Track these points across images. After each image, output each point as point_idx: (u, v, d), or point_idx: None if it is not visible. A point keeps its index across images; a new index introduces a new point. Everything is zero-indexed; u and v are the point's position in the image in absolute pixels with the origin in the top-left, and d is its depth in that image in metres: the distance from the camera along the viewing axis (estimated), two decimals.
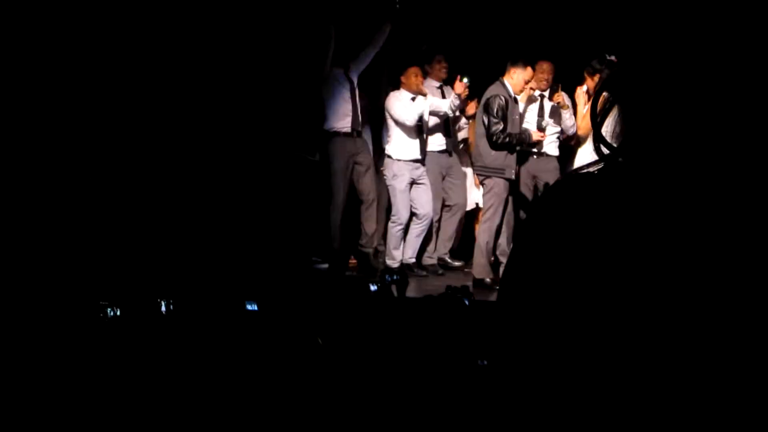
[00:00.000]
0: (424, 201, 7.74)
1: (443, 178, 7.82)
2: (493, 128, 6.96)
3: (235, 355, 4.72)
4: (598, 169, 1.02)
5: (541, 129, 7.37)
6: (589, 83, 6.88)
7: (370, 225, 7.68)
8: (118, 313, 4.66)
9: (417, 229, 7.82)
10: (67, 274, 6.20)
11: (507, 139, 6.97)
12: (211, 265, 6.99)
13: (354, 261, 8.11)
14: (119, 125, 7.24)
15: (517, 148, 7.09)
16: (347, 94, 7.56)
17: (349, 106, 7.55)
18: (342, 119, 7.57)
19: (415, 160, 7.71)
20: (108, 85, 7.10)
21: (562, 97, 7.38)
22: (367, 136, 7.95)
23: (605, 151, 1.03)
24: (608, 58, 6.81)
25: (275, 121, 7.82)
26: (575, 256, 0.93)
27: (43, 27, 6.87)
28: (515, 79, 7.12)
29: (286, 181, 7.92)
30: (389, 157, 7.76)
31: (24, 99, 6.61)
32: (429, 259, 7.94)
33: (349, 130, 7.55)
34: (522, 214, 7.62)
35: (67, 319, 4.74)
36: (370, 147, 7.90)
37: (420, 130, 7.72)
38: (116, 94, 7.17)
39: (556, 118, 7.47)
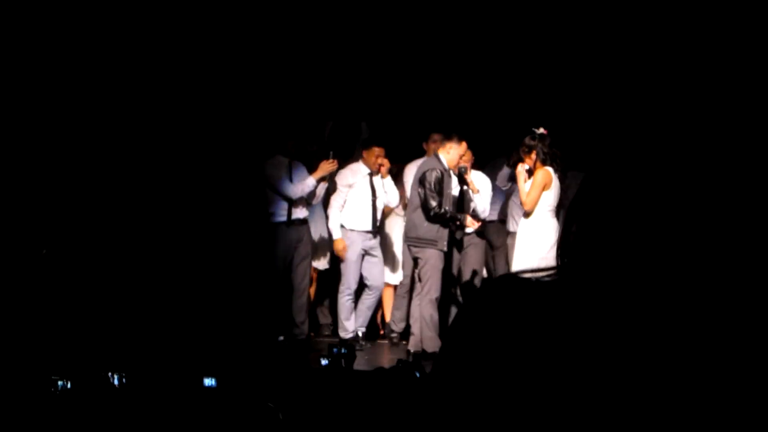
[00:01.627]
0: (375, 273, 7.83)
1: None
2: (431, 202, 7.04)
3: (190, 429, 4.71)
4: (545, 277, 1.06)
5: (475, 216, 7.61)
6: (528, 161, 7.04)
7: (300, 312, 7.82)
8: (69, 386, 4.63)
9: (368, 301, 7.89)
10: (19, 345, 6.16)
11: (442, 212, 7.03)
12: (166, 337, 6.99)
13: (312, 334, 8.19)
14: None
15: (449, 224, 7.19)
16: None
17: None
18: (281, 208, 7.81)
19: (368, 231, 7.78)
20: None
21: (471, 181, 7.55)
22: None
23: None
24: (538, 132, 6.99)
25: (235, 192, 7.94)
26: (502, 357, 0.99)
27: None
28: (451, 153, 7.24)
29: (244, 254, 7.97)
30: (342, 226, 7.84)
31: None
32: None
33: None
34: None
35: (17, 393, 4.70)
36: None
37: (374, 202, 7.83)
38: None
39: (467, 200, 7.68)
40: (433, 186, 7.06)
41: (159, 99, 7.76)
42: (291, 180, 7.69)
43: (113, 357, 5.87)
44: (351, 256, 7.79)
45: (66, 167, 7.42)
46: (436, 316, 7.12)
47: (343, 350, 5.93)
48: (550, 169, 6.95)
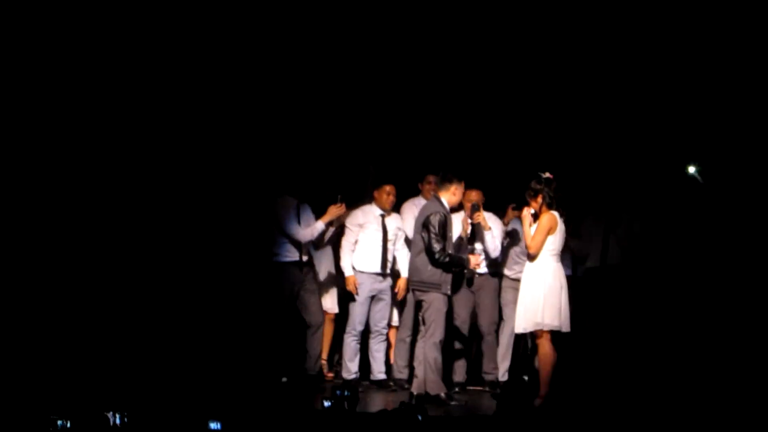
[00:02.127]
0: (380, 317, 7.84)
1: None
2: (435, 246, 7.06)
3: None
4: None
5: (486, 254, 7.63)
6: (534, 204, 7.06)
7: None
8: (68, 425, 4.63)
9: (376, 346, 7.88)
10: (17, 384, 6.17)
11: (447, 259, 7.05)
12: (171, 377, 6.99)
13: (331, 374, 8.13)
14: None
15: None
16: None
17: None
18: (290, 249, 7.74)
19: (378, 273, 7.81)
20: None
21: (483, 217, 7.56)
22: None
23: None
24: (544, 176, 7.01)
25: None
26: None
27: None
28: (456, 195, 7.22)
29: (250, 293, 7.98)
30: (352, 267, 7.85)
31: None
32: (380, 375, 7.95)
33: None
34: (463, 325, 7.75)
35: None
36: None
37: (384, 243, 7.83)
38: None
39: (479, 238, 7.68)
40: (437, 230, 7.05)
41: (171, 129, 7.81)
42: (299, 221, 7.72)
43: (115, 396, 5.86)
44: (359, 298, 7.78)
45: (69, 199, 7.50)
46: (440, 359, 7.06)
47: (346, 392, 5.90)
48: (555, 213, 6.95)
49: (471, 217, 7.53)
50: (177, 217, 7.86)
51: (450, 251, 7.11)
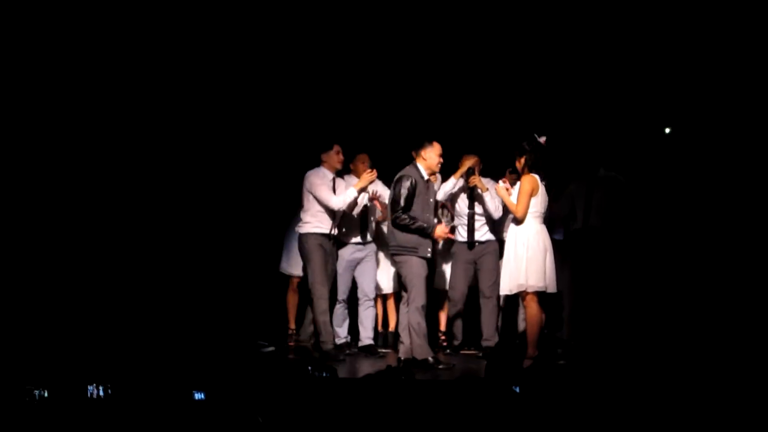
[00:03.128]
0: (366, 282, 7.84)
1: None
2: (394, 206, 6.96)
3: None
4: None
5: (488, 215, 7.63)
6: (517, 164, 7.01)
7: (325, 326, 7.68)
8: (46, 395, 4.56)
9: (365, 312, 7.91)
10: None
11: (406, 221, 6.93)
12: (154, 349, 6.94)
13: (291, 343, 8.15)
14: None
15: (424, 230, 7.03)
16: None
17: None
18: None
19: (357, 243, 7.82)
20: None
21: (479, 180, 7.49)
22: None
23: None
24: (538, 139, 6.95)
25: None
26: None
27: None
28: (428, 159, 7.14)
29: (231, 263, 7.96)
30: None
31: None
32: (368, 341, 7.92)
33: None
34: (456, 294, 7.70)
35: None
36: None
37: (365, 211, 7.82)
38: None
39: (479, 201, 7.59)
40: (402, 191, 6.94)
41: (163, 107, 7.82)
42: (334, 192, 7.64)
43: (97, 367, 5.80)
44: (339, 268, 7.79)
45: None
46: (423, 323, 7.01)
47: (324, 374, 5.81)
48: (536, 176, 6.91)
49: (467, 182, 7.49)
50: (161, 189, 7.82)
51: (428, 215, 7.03)
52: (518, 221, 6.93)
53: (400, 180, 7.01)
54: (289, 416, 5.06)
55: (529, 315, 6.86)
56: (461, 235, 7.82)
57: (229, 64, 8.01)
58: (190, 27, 7.75)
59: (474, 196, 7.71)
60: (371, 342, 7.89)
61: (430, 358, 6.97)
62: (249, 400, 5.19)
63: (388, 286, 8.10)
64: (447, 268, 8.02)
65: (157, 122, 7.87)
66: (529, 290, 6.83)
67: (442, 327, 8.18)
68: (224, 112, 8.09)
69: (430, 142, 7.15)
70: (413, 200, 6.99)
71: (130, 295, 7.47)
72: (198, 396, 5.34)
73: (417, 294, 6.97)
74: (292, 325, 8.38)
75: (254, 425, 4.69)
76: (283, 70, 8.24)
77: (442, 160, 7.25)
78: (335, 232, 7.62)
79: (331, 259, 7.60)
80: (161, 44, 7.72)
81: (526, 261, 6.81)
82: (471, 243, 7.76)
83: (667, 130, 8.27)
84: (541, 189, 6.92)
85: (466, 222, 7.79)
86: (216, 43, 7.89)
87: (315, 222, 7.49)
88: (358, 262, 7.88)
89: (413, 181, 7.00)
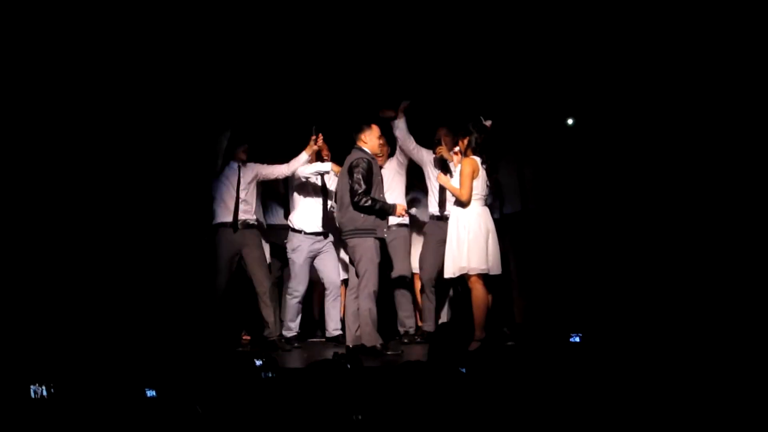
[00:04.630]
0: (329, 270, 7.82)
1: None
2: (356, 188, 6.97)
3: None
4: None
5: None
6: (461, 144, 7.06)
7: (268, 314, 7.70)
8: None
9: (330, 300, 7.88)
10: None
11: (369, 203, 6.97)
12: (102, 347, 6.91)
13: (247, 337, 8.11)
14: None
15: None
16: (232, 189, 7.67)
17: (232, 201, 7.64)
18: (224, 213, 7.66)
19: (317, 233, 7.78)
20: None
21: (445, 150, 7.57)
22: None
23: None
24: (483, 122, 7.00)
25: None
26: None
27: None
28: (369, 141, 7.19)
29: (182, 262, 7.92)
30: (291, 228, 7.81)
31: None
32: (335, 332, 7.92)
33: (229, 222, 7.61)
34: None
35: None
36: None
37: (324, 202, 7.83)
38: None
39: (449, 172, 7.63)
40: (360, 174, 6.98)
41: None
42: (239, 183, 7.65)
43: (41, 366, 5.77)
44: (298, 260, 7.74)
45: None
46: (374, 309, 7.01)
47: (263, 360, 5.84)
48: (476, 158, 6.96)
49: (434, 152, 7.61)
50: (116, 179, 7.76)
51: (380, 195, 7.08)
52: (462, 204, 6.96)
53: (357, 165, 7.02)
54: (230, 406, 5.08)
55: (475, 297, 6.89)
56: (430, 211, 7.85)
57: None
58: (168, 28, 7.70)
59: (443, 168, 7.70)
60: (340, 332, 7.84)
61: (378, 345, 7.00)
62: (191, 393, 5.20)
63: (343, 273, 8.08)
64: (415, 252, 8.03)
65: (142, 119, 7.79)
66: (472, 273, 6.88)
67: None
68: (213, 111, 7.99)
69: (368, 125, 7.22)
70: (371, 182, 7.04)
71: (81, 286, 7.41)
72: (150, 394, 5.33)
73: (370, 279, 6.98)
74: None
75: (193, 415, 4.69)
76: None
77: (382, 141, 7.32)
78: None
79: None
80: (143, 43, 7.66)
81: (468, 243, 6.85)
82: (442, 216, 7.70)
83: (570, 122, 8.35)
84: (482, 172, 6.96)
85: (437, 196, 7.82)
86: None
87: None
88: (317, 254, 7.85)
89: (366, 161, 7.05)
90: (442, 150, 7.56)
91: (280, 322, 7.85)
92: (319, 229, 7.81)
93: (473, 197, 6.89)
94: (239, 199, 7.64)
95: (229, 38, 7.92)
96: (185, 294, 7.81)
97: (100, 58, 7.52)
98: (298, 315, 7.85)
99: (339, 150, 7.79)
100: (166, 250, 7.84)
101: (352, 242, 7.09)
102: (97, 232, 7.58)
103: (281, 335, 7.76)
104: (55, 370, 5.75)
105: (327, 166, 7.68)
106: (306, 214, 7.78)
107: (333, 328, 7.91)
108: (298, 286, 7.78)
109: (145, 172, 7.80)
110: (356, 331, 7.07)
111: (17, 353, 6.41)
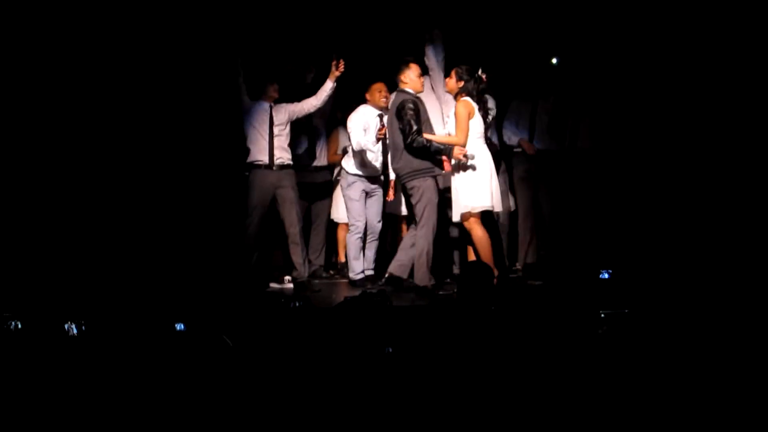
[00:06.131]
0: (372, 215, 7.67)
1: None
2: (407, 128, 6.86)
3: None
4: None
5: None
6: (448, 81, 6.98)
7: (297, 256, 7.60)
8: (20, 326, 4.57)
9: (369, 241, 7.72)
10: None
11: (425, 143, 6.83)
12: (131, 282, 6.95)
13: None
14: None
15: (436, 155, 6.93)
16: (264, 129, 7.55)
17: (265, 142, 7.54)
18: (259, 152, 7.57)
19: (370, 177, 7.63)
20: None
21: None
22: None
23: None
24: (478, 74, 6.91)
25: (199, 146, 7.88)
26: None
27: None
28: (411, 81, 7.06)
29: (211, 202, 7.92)
30: (344, 170, 7.68)
31: None
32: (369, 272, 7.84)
33: (265, 162, 7.56)
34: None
35: None
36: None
37: (382, 145, 7.55)
38: None
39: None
40: (409, 114, 6.84)
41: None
42: (272, 123, 7.54)
43: (72, 303, 5.81)
44: (353, 195, 7.59)
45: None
46: (431, 251, 6.91)
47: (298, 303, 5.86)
48: (469, 99, 6.86)
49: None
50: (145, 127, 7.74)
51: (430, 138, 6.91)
52: (463, 146, 6.85)
53: (403, 107, 6.91)
54: (260, 341, 5.10)
55: (477, 238, 6.77)
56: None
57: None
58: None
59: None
60: (372, 273, 7.71)
61: (429, 286, 6.92)
62: (223, 328, 5.22)
63: (344, 215, 7.97)
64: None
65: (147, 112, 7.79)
66: (475, 211, 6.81)
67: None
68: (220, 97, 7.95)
69: (406, 64, 7.06)
70: (420, 122, 6.92)
71: (108, 224, 7.44)
72: (179, 327, 5.36)
73: (429, 219, 6.92)
74: (342, 259, 8.30)
75: (224, 348, 4.71)
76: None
77: (423, 79, 7.15)
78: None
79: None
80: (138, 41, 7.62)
81: (472, 182, 6.81)
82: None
83: (554, 61, 8.24)
84: (476, 111, 6.87)
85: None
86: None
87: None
88: (368, 194, 7.68)
89: (414, 103, 6.94)
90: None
91: (309, 263, 7.84)
92: (378, 172, 7.65)
93: (472, 136, 6.81)
94: (273, 138, 7.57)
95: None
96: (218, 231, 7.81)
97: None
98: (360, 253, 7.66)
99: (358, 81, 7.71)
100: (199, 186, 7.82)
101: (410, 184, 7.01)
102: (131, 169, 7.59)
103: (311, 276, 7.74)
104: (87, 307, 5.78)
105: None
106: (360, 158, 7.57)
107: (368, 268, 7.72)
108: (356, 222, 7.60)
109: (174, 112, 7.80)
110: (404, 262, 7.05)
111: (49, 291, 6.45)
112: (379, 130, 7.36)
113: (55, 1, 7.34)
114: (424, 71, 7.39)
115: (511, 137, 7.95)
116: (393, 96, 7.16)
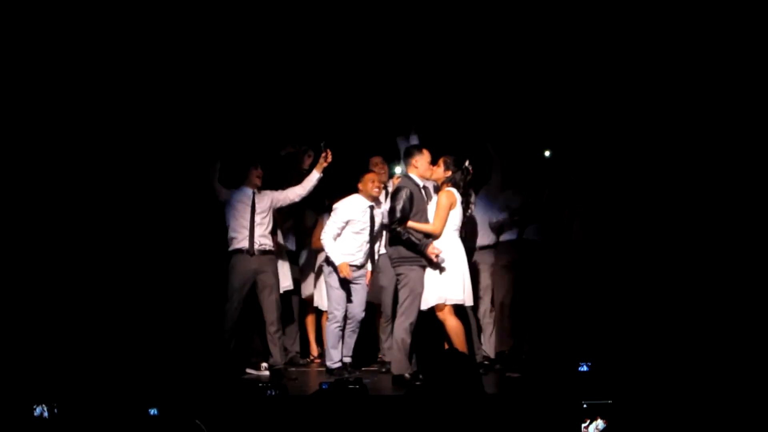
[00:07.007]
0: (356, 302, 7.57)
1: None
2: (390, 217, 6.94)
3: None
4: None
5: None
6: (436, 169, 7.03)
7: (272, 345, 7.56)
8: None
9: (349, 330, 7.62)
10: None
11: (400, 233, 6.87)
12: (105, 367, 6.87)
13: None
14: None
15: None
16: (246, 216, 7.56)
17: (245, 229, 7.55)
18: (240, 238, 7.57)
19: (353, 265, 7.48)
20: None
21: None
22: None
23: None
24: (465, 165, 6.99)
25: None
26: None
27: None
28: (419, 167, 7.10)
29: (191, 285, 7.89)
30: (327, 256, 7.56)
31: None
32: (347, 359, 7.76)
33: (246, 248, 7.55)
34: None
35: None
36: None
37: (372, 235, 7.57)
38: None
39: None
40: (398, 204, 6.88)
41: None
42: (254, 209, 7.58)
43: (44, 386, 5.73)
44: (334, 284, 7.50)
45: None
46: (408, 340, 6.88)
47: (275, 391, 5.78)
48: (453, 190, 6.93)
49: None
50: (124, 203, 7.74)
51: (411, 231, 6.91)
52: (437, 237, 6.88)
53: (398, 191, 6.96)
54: (234, 428, 5.04)
55: (452, 327, 6.78)
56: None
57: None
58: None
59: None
60: (349, 360, 7.66)
61: (406, 374, 6.88)
62: (197, 414, 5.15)
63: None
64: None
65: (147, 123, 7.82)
66: (449, 303, 6.83)
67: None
68: (217, 116, 7.99)
69: (419, 150, 7.12)
70: (410, 211, 6.94)
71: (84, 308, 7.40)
72: (153, 412, 5.28)
73: (409, 309, 6.91)
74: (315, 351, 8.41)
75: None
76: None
77: (432, 166, 7.13)
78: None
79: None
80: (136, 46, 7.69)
81: (446, 274, 6.85)
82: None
83: (547, 153, 8.31)
84: (458, 204, 6.94)
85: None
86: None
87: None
88: (352, 281, 7.54)
89: (407, 191, 6.99)
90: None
91: (284, 350, 7.78)
92: (360, 261, 7.56)
93: (450, 228, 6.86)
94: (254, 224, 7.57)
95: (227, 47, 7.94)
96: (196, 317, 7.76)
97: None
98: (339, 342, 7.56)
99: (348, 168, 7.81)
100: (180, 270, 7.81)
101: (398, 270, 7.04)
102: (112, 252, 7.59)
103: (288, 364, 7.68)
104: (59, 389, 5.71)
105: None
106: (352, 247, 7.50)
107: (345, 355, 7.60)
108: (335, 311, 7.52)
109: (154, 198, 7.84)
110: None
111: (21, 372, 6.37)
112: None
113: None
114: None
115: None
116: (400, 180, 7.22)
